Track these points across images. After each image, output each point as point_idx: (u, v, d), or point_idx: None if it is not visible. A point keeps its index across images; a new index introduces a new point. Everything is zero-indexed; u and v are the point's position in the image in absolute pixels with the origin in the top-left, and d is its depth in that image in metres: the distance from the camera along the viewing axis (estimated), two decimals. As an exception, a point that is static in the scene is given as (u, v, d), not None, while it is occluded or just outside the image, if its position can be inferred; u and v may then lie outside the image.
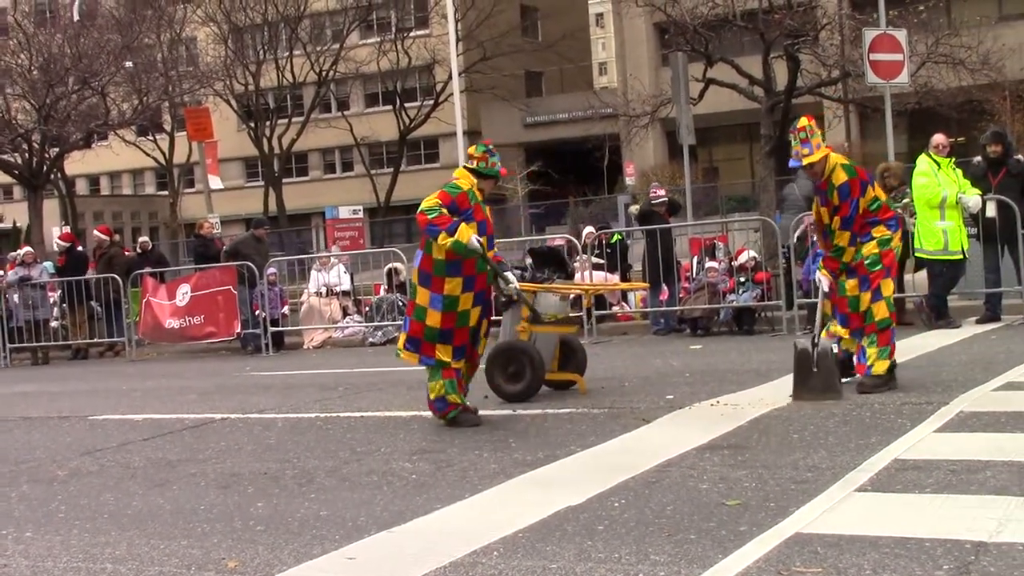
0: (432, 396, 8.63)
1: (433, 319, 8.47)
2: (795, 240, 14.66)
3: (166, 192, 59.09)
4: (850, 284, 8.67)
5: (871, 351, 8.60)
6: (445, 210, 8.29)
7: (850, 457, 6.32)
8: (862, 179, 8.70)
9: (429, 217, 8.26)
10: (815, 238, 9.34)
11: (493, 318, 9.25)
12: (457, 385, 8.57)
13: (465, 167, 8.83)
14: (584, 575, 4.63)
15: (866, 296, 8.62)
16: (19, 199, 55.74)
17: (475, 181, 8.64)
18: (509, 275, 9.09)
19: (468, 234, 8.25)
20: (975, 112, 30.64)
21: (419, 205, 8.37)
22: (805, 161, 8.54)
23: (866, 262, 8.62)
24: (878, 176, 14.80)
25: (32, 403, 12.90)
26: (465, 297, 8.50)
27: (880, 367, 8.60)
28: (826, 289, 8.89)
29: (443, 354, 8.51)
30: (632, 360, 12.68)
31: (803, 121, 8.61)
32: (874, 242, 8.64)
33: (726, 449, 6.86)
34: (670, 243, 16.06)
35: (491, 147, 8.86)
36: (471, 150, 8.88)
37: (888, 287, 8.78)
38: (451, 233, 8.22)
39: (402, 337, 8.81)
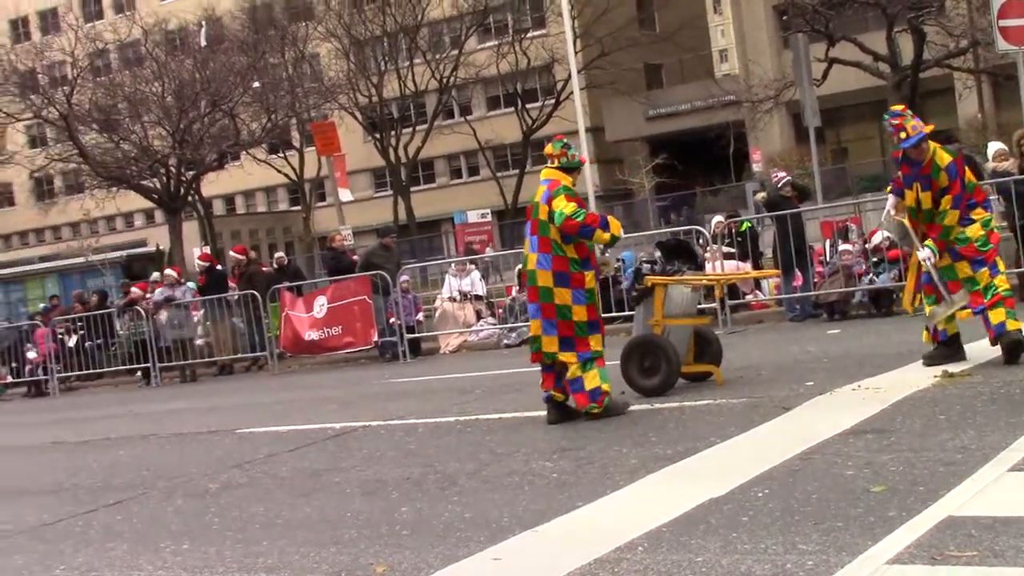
0: (589, 387, 8.75)
1: (580, 314, 8.77)
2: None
3: (299, 207, 60.34)
4: (961, 266, 8.79)
5: (999, 312, 8.69)
6: (584, 209, 8.81)
7: (1000, 436, 6.15)
8: (960, 159, 8.97)
9: (579, 220, 8.65)
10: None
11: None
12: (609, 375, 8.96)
13: (549, 167, 9.09)
14: (730, 567, 4.59)
15: (984, 272, 8.74)
16: (160, 223, 57.53)
17: (568, 177, 8.98)
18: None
19: (619, 225, 8.90)
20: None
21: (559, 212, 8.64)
22: (927, 129, 8.69)
23: (976, 244, 8.73)
24: (1015, 144, 14.38)
25: (182, 419, 13.29)
26: (596, 288, 9.01)
27: (1014, 325, 8.68)
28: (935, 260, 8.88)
29: (596, 344, 8.83)
30: (768, 348, 12.52)
31: (899, 106, 9.02)
32: (978, 224, 8.77)
33: (870, 434, 6.73)
34: (800, 228, 15.79)
35: (566, 140, 9.24)
36: (549, 149, 9.16)
37: (1001, 263, 8.99)
38: (605, 228, 8.78)
39: (549, 341, 8.83)
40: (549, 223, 8.76)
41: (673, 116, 51.21)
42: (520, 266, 19.39)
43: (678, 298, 9.92)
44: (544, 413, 9.16)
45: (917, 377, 8.55)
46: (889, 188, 9.38)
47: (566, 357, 8.79)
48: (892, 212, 9.18)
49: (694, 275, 10.22)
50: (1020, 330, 8.65)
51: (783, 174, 16.24)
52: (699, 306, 10.88)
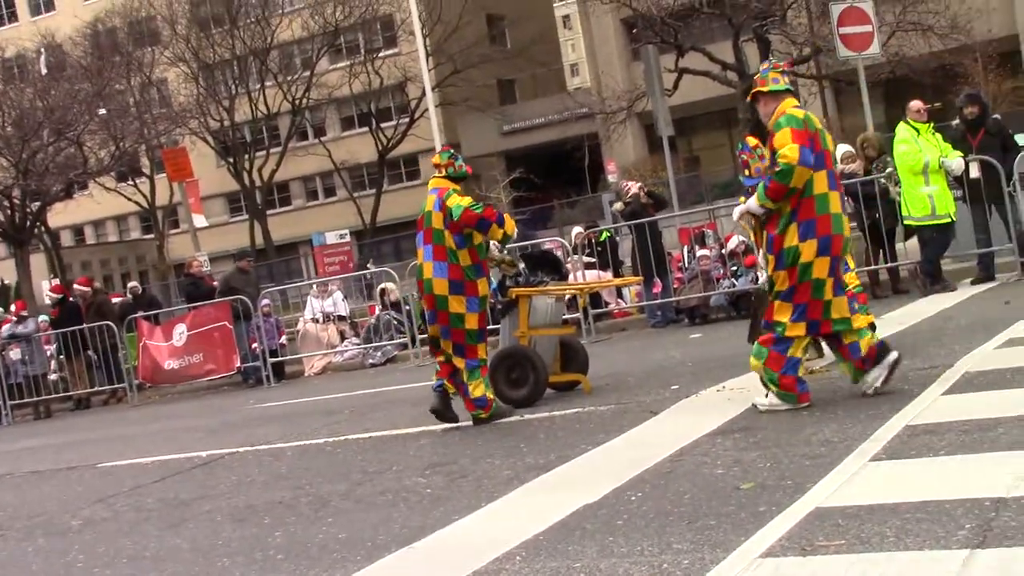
0: (476, 395, 8.98)
1: (471, 322, 8.99)
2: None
3: (152, 235, 59.09)
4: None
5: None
6: (482, 204, 9.01)
7: (861, 428, 6.32)
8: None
9: (477, 212, 8.83)
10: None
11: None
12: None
13: (437, 176, 9.28)
14: (609, 570, 4.61)
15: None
16: (4, 256, 55.70)
17: (456, 186, 9.16)
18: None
19: (513, 225, 9.07)
20: (948, 76, 30.73)
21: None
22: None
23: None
24: (858, 147, 14.88)
25: (39, 457, 12.86)
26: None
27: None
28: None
29: (483, 352, 9.07)
30: (633, 355, 12.69)
31: (753, 141, 8.18)
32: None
33: (737, 433, 6.85)
34: (658, 236, 16.07)
35: (452, 151, 9.56)
36: (437, 159, 9.41)
37: (851, 261, 9.11)
38: (501, 224, 8.92)
39: (445, 344, 9.06)
40: (443, 230, 8.90)
41: (528, 130, 51.72)
42: (381, 285, 19.34)
43: (543, 309, 9.98)
44: (414, 429, 9.21)
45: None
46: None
47: (458, 362, 9.03)
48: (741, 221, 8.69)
49: (557, 286, 10.29)
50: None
51: (631, 184, 16.52)
52: (563, 316, 10.95)
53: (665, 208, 17.07)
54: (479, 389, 9.01)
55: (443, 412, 9.19)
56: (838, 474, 5.41)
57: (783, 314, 7.20)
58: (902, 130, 13.31)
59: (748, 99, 7.95)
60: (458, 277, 8.96)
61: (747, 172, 8.01)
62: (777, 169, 7.04)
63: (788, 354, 7.19)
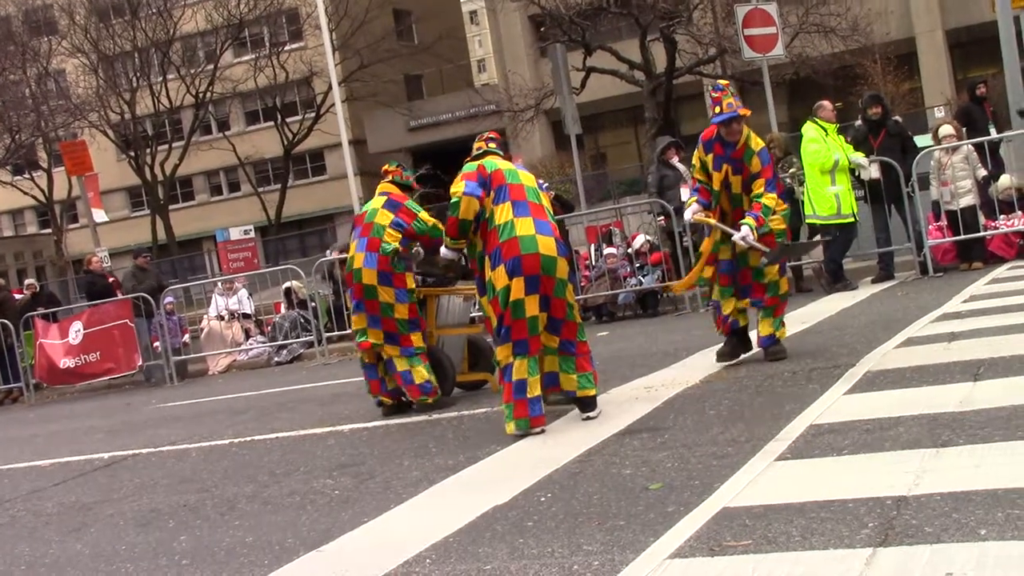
0: (418, 381, 9.22)
1: (402, 312, 9.24)
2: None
3: (49, 230, 57.78)
4: (755, 255, 8.75)
5: (768, 322, 8.93)
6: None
7: (767, 428, 6.40)
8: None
9: (387, 253, 9.20)
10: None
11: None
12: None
13: (385, 182, 9.63)
14: (519, 572, 4.61)
15: (774, 268, 8.84)
16: None
17: (403, 195, 9.58)
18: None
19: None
20: (848, 78, 31.33)
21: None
22: (742, 111, 8.55)
23: (776, 236, 8.87)
24: (767, 146, 15.06)
25: (-68, 459, 12.49)
26: (417, 290, 9.50)
27: (783, 333, 9.00)
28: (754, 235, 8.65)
29: (418, 341, 9.28)
30: (541, 353, 12.68)
31: (724, 81, 8.96)
32: (779, 216, 8.99)
33: (645, 433, 6.90)
34: (564, 235, 16.10)
35: (398, 161, 9.97)
36: (386, 167, 9.83)
37: None
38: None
39: (374, 333, 9.28)
40: (386, 227, 9.23)
41: (435, 126, 51.58)
42: (287, 283, 19.14)
43: (451, 308, 9.97)
44: (321, 430, 9.18)
45: (686, 375, 8.84)
46: (693, 199, 9.05)
47: (390, 350, 9.25)
48: (697, 216, 8.97)
49: (465, 285, 10.27)
50: (782, 339, 8.96)
51: (541, 182, 16.52)
52: (471, 315, 10.94)
53: (571, 211, 17.13)
54: (421, 375, 9.22)
55: (394, 413, 9.49)
56: (744, 474, 5.47)
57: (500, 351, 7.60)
58: (810, 129, 13.52)
59: (734, 120, 8.57)
60: (386, 268, 9.21)
61: (718, 109, 8.58)
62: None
63: (513, 379, 7.43)
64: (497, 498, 5.80)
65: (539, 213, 7.62)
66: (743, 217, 8.66)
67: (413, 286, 9.40)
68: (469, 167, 7.79)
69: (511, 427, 7.44)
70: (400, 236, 9.30)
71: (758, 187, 8.66)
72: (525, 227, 7.44)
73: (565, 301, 7.54)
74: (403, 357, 9.25)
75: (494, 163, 7.77)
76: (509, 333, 7.42)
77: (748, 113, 8.52)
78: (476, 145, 8.11)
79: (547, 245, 7.45)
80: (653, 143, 22.13)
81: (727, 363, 8.97)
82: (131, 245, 52.79)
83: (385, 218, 9.35)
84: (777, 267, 8.84)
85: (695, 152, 8.94)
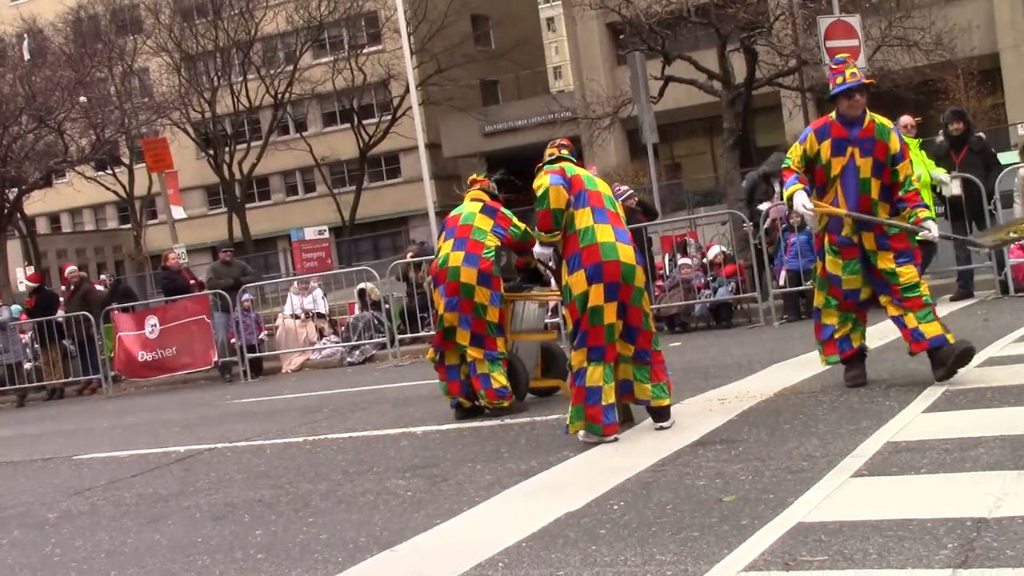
0: (496, 385, 9.32)
1: (493, 315, 9.38)
2: (764, 231, 14.76)
3: (129, 225, 58.80)
4: (884, 257, 7.89)
5: (934, 325, 7.89)
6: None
7: (843, 443, 6.35)
8: None
9: (490, 259, 9.40)
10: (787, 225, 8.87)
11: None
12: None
13: (475, 190, 9.96)
14: (592, 580, 4.63)
15: (910, 270, 7.95)
16: (-20, 242, 55.32)
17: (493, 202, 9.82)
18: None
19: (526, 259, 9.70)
20: (931, 92, 30.93)
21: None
22: (867, 80, 7.90)
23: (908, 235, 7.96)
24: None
25: (12, 447, 12.78)
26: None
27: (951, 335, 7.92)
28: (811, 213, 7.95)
29: (501, 346, 9.42)
30: (613, 361, 12.67)
31: (844, 54, 8.15)
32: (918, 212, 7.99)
33: (719, 444, 6.87)
34: (644, 243, 16.08)
35: (484, 172, 9.76)
36: (475, 176, 10.27)
37: None
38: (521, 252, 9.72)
39: (462, 335, 9.39)
40: (487, 232, 9.46)
41: (510, 132, 51.69)
42: (360, 285, 19.28)
43: (525, 314, 9.99)
44: (394, 431, 9.30)
45: (760, 387, 8.79)
46: (794, 188, 7.93)
47: (475, 352, 9.34)
48: (807, 206, 7.85)
49: (541, 291, 10.30)
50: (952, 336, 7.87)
51: (625, 188, 16.56)
52: (545, 321, 10.97)
53: (654, 219, 17.06)
54: (499, 380, 9.32)
55: (468, 416, 9.57)
56: (820, 489, 5.43)
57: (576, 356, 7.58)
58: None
59: (857, 90, 7.72)
60: (487, 269, 9.36)
61: (840, 80, 7.76)
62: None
63: (587, 384, 7.40)
64: (570, 504, 5.81)
65: (617, 221, 7.63)
66: (870, 207, 7.84)
67: (502, 291, 9.52)
68: (547, 166, 7.80)
69: (577, 427, 7.46)
70: (499, 243, 9.49)
71: (905, 170, 7.86)
72: (605, 234, 7.44)
73: (642, 310, 7.54)
74: (486, 361, 9.32)
75: (572, 168, 7.78)
76: (585, 338, 7.43)
77: (874, 81, 7.96)
78: (548, 151, 8.09)
79: (627, 253, 7.46)
80: (731, 153, 22.03)
81: (856, 384, 8.17)
82: (208, 242, 53.69)
83: (485, 223, 9.51)
84: (915, 268, 7.97)
85: (795, 147, 8.06)
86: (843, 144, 7.81)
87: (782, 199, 10.31)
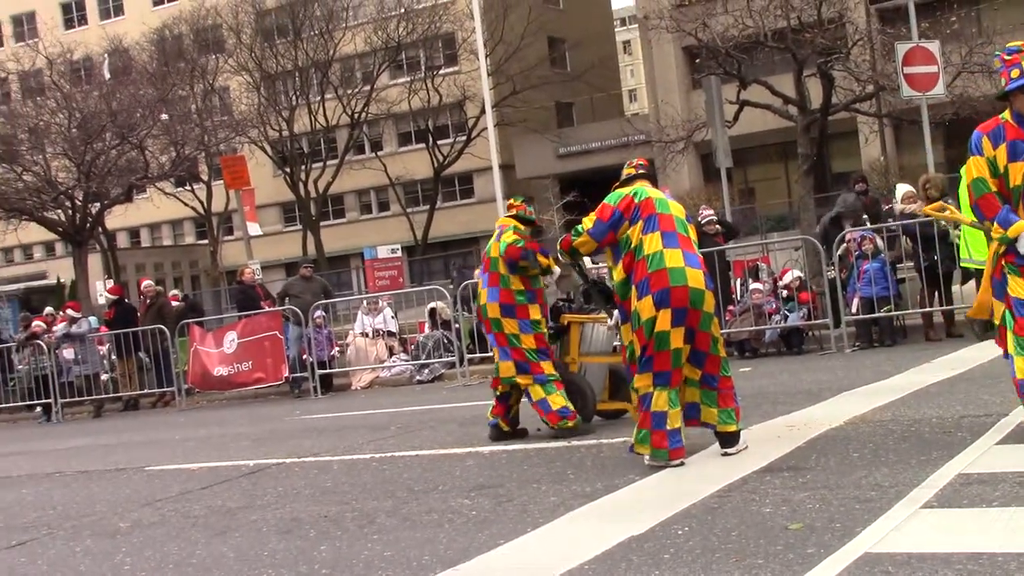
0: (555, 407, 9.36)
1: (528, 342, 9.46)
2: (838, 257, 14.62)
3: (206, 241, 59.65)
4: (1017, 283, 6.77)
5: None
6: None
7: (913, 474, 6.26)
8: None
9: (519, 246, 9.44)
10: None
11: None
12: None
13: (506, 215, 9.94)
14: (654, 605, 4.60)
15: None
16: (60, 255, 56.46)
17: (522, 227, 9.76)
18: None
19: (553, 263, 9.62)
20: (1012, 119, 30.34)
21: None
22: None
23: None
24: (920, 187, 14.77)
25: (87, 457, 13.01)
26: (543, 322, 9.63)
27: None
28: None
29: (549, 368, 9.47)
30: (682, 386, 12.60)
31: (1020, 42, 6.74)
32: None
33: (786, 471, 6.81)
34: (723, 266, 15.98)
35: (522, 198, 10.28)
36: (512, 201, 10.18)
37: None
38: (545, 255, 9.57)
39: (505, 367, 9.54)
40: (499, 258, 9.51)
41: (584, 154, 51.68)
42: (431, 304, 19.39)
43: (594, 336, 9.99)
44: (460, 450, 9.33)
45: (830, 415, 8.69)
46: (1019, 226, 6.62)
47: (523, 379, 9.45)
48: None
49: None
50: None
51: (710, 212, 16.52)
52: (614, 344, 10.94)
53: (735, 237, 16.92)
54: (558, 402, 9.36)
55: (501, 438, 9.71)
56: (888, 519, 5.37)
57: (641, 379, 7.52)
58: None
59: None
60: (509, 300, 9.50)
61: (1016, 73, 6.54)
62: None
63: (652, 409, 7.37)
64: (634, 528, 5.79)
65: (687, 245, 7.59)
66: None
67: (538, 318, 9.54)
68: (615, 196, 7.77)
69: (644, 449, 7.47)
70: (517, 237, 9.55)
71: None
72: (674, 259, 7.42)
73: (710, 335, 7.50)
74: (537, 385, 9.39)
75: (644, 191, 7.75)
76: (651, 363, 7.40)
77: None
78: (625, 172, 8.11)
79: (696, 278, 7.43)
80: (805, 179, 21.83)
81: None
82: (283, 259, 54.27)
83: (496, 250, 9.59)
84: None
85: (976, 161, 6.76)
86: (1021, 147, 6.63)
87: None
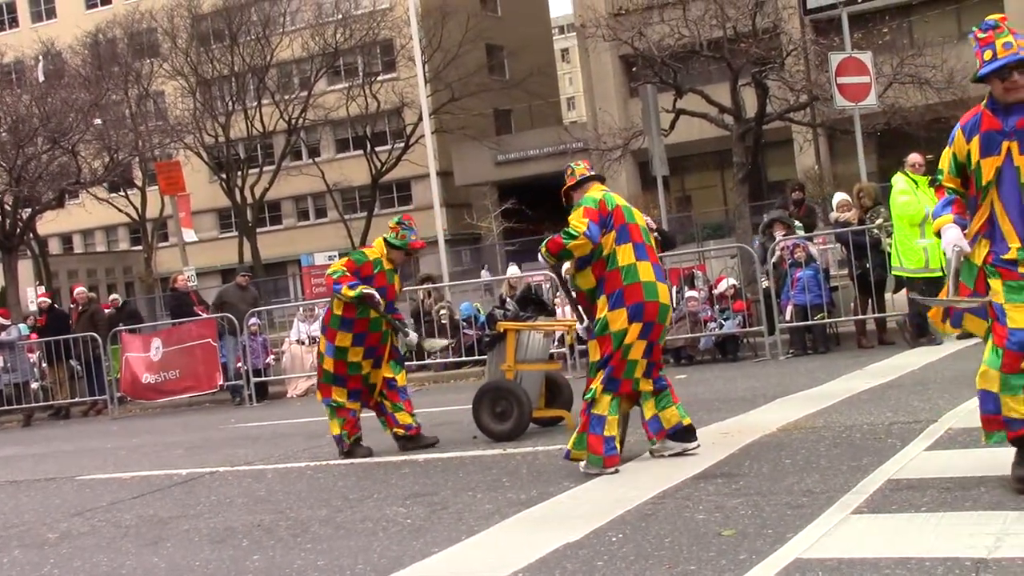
0: (333, 433, 9.90)
1: (328, 364, 9.83)
2: (772, 264, 14.77)
3: (140, 247, 58.97)
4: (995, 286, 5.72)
5: None
6: (349, 274, 9.63)
7: (843, 480, 6.33)
8: None
9: (334, 278, 9.64)
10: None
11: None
12: (348, 423, 9.86)
13: (385, 239, 9.98)
14: (588, 612, 4.61)
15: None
16: (-8, 261, 55.45)
17: (385, 251, 9.88)
18: (408, 332, 10.20)
19: (356, 291, 9.52)
20: (942, 130, 30.80)
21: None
22: None
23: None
24: (853, 196, 14.98)
25: (16, 466, 12.80)
26: (355, 351, 9.75)
27: None
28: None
29: (339, 396, 9.82)
30: (618, 393, 12.65)
31: (1000, 15, 5.74)
32: None
33: (720, 478, 6.86)
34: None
35: (407, 222, 10.04)
36: (391, 223, 10.14)
37: None
38: (352, 288, 9.55)
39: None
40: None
41: (522, 161, 51.78)
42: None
43: (530, 343, 10.00)
44: (396, 458, 9.39)
45: (763, 421, 8.77)
46: (942, 220, 5.89)
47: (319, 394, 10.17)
48: (959, 247, 5.76)
49: (547, 321, 10.31)
50: None
51: (648, 220, 16.54)
52: (550, 351, 10.96)
53: (673, 248, 16.97)
54: (334, 429, 9.97)
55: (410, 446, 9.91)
56: (819, 525, 5.42)
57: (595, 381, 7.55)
58: (900, 181, 13.37)
59: (1017, 67, 5.48)
60: (326, 321, 10.01)
61: (988, 55, 5.62)
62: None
63: (593, 411, 7.49)
64: (568, 535, 5.80)
65: (654, 256, 7.76)
66: None
67: (347, 346, 9.73)
68: (591, 200, 7.71)
69: (580, 454, 7.54)
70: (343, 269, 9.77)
71: None
72: (647, 272, 7.56)
73: (662, 347, 7.71)
74: (326, 408, 9.99)
75: (612, 198, 7.78)
76: (610, 370, 7.50)
77: None
78: (579, 172, 8.04)
79: (664, 293, 7.66)
80: (740, 187, 22.02)
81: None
82: (218, 265, 53.81)
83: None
84: None
85: (945, 152, 5.97)
86: (996, 140, 5.66)
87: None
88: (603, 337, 7.53)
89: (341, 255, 43.48)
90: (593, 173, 8.07)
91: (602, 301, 7.58)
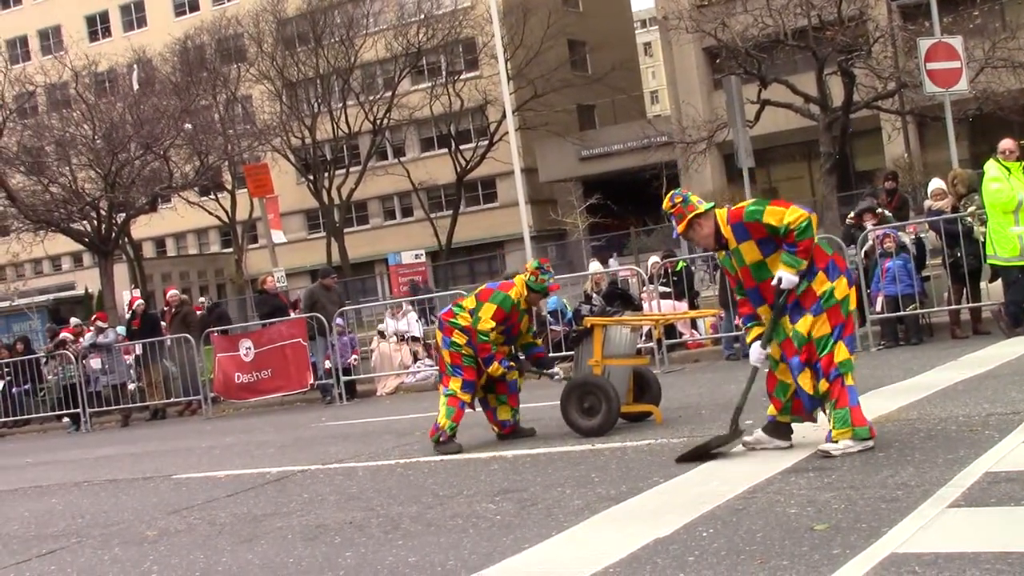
0: (438, 422, 10.08)
1: (445, 355, 10.13)
2: (862, 254, 14.55)
3: (230, 249, 59.92)
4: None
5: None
6: (498, 324, 9.88)
7: (939, 472, 6.22)
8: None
9: (488, 342, 9.87)
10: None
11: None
12: (456, 415, 10.01)
13: (520, 277, 10.17)
14: (679, 608, 4.58)
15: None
16: (88, 265, 56.78)
17: (524, 293, 10.01)
18: (555, 373, 10.51)
19: (501, 371, 9.97)
20: (1037, 115, 30.20)
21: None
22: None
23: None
24: (948, 183, 14.66)
25: (116, 465, 13.07)
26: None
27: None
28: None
29: (454, 385, 10.04)
30: (706, 387, 12.59)
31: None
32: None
33: (811, 471, 6.78)
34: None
35: (545, 265, 10.22)
36: (528, 264, 10.31)
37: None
38: (487, 364, 9.90)
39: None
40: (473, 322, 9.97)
41: (606, 156, 51.69)
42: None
43: (617, 339, 9.96)
44: (484, 454, 9.37)
45: (855, 414, 8.62)
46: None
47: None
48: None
49: (633, 316, 10.27)
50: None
51: None
52: (638, 346, 10.92)
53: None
54: (441, 418, 10.13)
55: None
56: (915, 519, 5.33)
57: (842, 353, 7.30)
58: (993, 168, 13.03)
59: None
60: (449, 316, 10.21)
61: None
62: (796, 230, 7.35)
63: (847, 384, 7.28)
64: (659, 530, 5.77)
65: None
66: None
67: (460, 341, 9.95)
68: (764, 202, 7.88)
69: (844, 433, 7.16)
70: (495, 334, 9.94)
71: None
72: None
73: None
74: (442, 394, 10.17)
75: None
76: (851, 338, 7.46)
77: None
78: (693, 199, 7.83)
79: None
80: (827, 178, 21.74)
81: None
82: (307, 266, 54.46)
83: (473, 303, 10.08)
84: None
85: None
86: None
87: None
88: (831, 309, 7.35)
89: (428, 253, 43.85)
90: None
91: (821, 276, 7.38)
